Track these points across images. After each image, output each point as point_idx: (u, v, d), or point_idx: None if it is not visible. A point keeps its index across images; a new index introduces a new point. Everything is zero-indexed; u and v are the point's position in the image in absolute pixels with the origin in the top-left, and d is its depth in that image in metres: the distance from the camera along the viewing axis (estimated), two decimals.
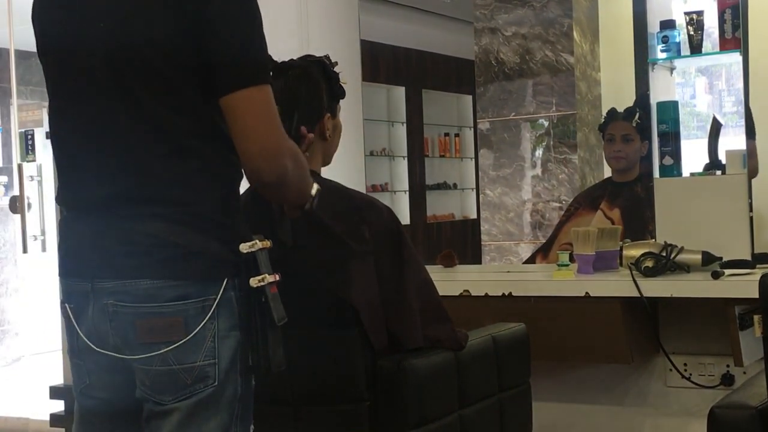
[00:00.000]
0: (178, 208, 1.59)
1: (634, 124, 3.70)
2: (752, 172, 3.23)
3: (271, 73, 1.64)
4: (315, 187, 1.79)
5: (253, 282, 1.60)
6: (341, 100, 2.27)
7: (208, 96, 1.61)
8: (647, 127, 3.62)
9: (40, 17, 1.74)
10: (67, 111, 1.70)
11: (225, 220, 1.63)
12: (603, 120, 3.92)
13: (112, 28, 1.62)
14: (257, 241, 1.62)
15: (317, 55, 2.27)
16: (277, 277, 1.63)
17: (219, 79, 1.58)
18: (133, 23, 1.61)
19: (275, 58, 1.86)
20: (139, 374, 1.62)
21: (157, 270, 1.57)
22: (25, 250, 4.72)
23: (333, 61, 2.22)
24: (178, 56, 1.59)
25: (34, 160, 5.12)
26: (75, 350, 1.69)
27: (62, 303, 1.69)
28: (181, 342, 1.57)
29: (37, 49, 1.75)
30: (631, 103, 3.85)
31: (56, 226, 3.96)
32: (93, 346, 1.64)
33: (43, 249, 4.76)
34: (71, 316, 1.66)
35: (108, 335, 1.61)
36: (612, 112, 3.85)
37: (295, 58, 2.25)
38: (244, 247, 1.61)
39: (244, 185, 1.73)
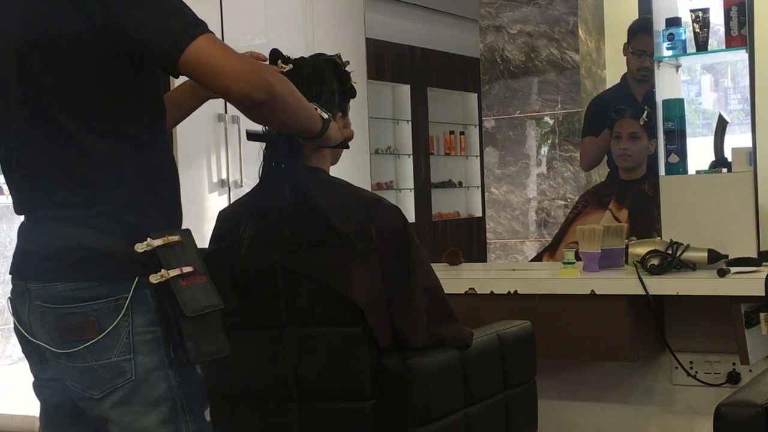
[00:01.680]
0: (86, 210, 1.65)
1: (642, 123, 3.68)
2: None
3: (207, 26, 1.64)
4: (325, 114, 1.89)
5: (153, 279, 1.64)
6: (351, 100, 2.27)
7: (120, 97, 1.65)
8: (655, 125, 3.62)
9: None
10: None
11: (131, 220, 1.67)
12: (612, 112, 3.89)
13: (18, 28, 1.67)
14: (150, 239, 1.65)
15: (323, 52, 2.27)
16: (185, 270, 1.66)
17: (161, 55, 1.60)
18: (37, 21, 1.65)
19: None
20: (68, 369, 1.69)
21: (71, 273, 1.64)
22: None
23: (344, 60, 2.23)
24: (81, 54, 1.63)
25: None
26: (20, 340, 1.78)
27: (9, 297, 1.78)
28: (95, 339, 1.63)
29: None
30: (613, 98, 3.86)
31: None
32: (29, 336, 1.73)
33: None
34: (13, 310, 1.75)
35: (39, 331, 1.70)
36: (621, 110, 3.82)
37: (300, 55, 2.25)
38: (140, 247, 1.65)
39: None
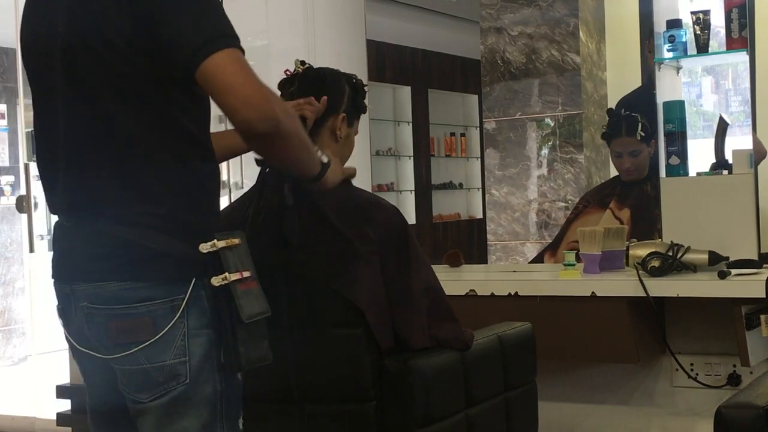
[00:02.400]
0: (142, 209, 1.60)
1: (639, 138, 3.65)
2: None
3: (239, 41, 1.61)
4: (325, 157, 1.82)
5: (215, 281, 1.61)
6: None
7: (170, 91, 1.61)
8: (653, 129, 3.60)
9: (23, 15, 1.76)
10: (38, 112, 1.72)
11: (189, 220, 1.63)
12: (605, 129, 3.83)
13: (65, 21, 1.63)
14: (216, 240, 1.62)
15: (324, 56, 2.31)
16: (245, 275, 1.63)
17: (182, 59, 1.56)
18: (85, 15, 1.61)
19: (282, 56, 1.89)
20: (118, 373, 1.65)
21: (124, 272, 1.60)
22: (31, 250, 4.73)
23: (364, 83, 2.30)
24: (132, 53, 1.59)
25: None
26: (70, 350, 1.74)
27: (56, 305, 1.73)
28: (150, 341, 1.60)
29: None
30: (636, 103, 3.83)
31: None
32: (77, 345, 1.69)
33: (50, 249, 4.77)
34: (60, 318, 1.71)
35: (88, 335, 1.65)
36: (615, 126, 3.76)
37: (300, 57, 2.29)
38: (204, 247, 1.61)
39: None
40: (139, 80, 1.60)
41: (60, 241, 1.70)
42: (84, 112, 1.62)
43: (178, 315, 1.60)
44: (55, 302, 1.72)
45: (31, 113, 5.51)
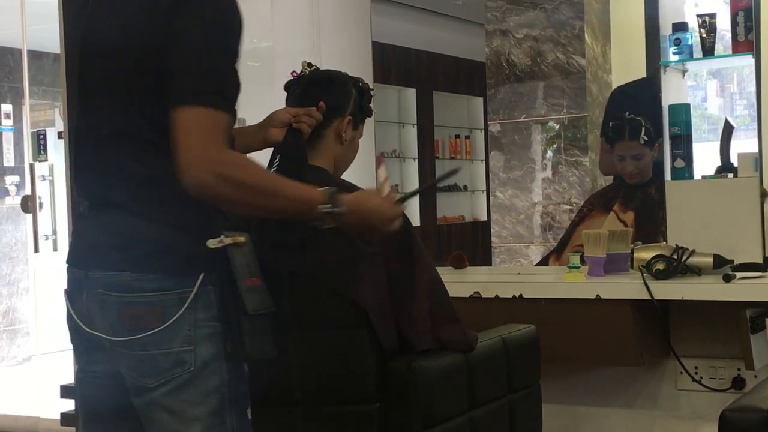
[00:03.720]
0: (154, 205, 1.71)
1: (642, 142, 3.63)
2: None
3: (230, 103, 1.69)
4: (319, 206, 1.78)
5: (211, 243, 1.69)
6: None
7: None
8: (657, 133, 3.59)
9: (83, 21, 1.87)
10: (83, 111, 1.84)
11: (199, 218, 1.72)
12: (606, 130, 3.79)
13: (106, 29, 1.77)
14: (223, 237, 1.71)
15: (329, 58, 2.32)
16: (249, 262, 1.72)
17: (171, 90, 1.67)
18: (122, 25, 1.74)
19: (287, 58, 1.91)
20: (125, 358, 1.73)
21: (138, 264, 1.70)
22: (36, 250, 4.74)
23: (370, 87, 2.33)
24: (152, 62, 1.70)
25: (45, 160, 5.13)
26: (71, 332, 1.83)
27: (65, 288, 1.83)
28: (159, 329, 1.69)
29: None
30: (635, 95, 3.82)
31: (68, 225, 3.98)
32: (83, 326, 1.77)
33: (55, 248, 4.78)
34: (67, 299, 1.81)
35: (98, 319, 1.75)
36: (618, 130, 3.73)
37: (306, 59, 2.29)
38: (212, 243, 1.70)
39: None
40: (163, 87, 1.69)
41: (81, 229, 1.81)
42: (118, 111, 1.74)
43: (186, 306, 1.69)
44: (65, 286, 1.82)
45: (37, 113, 5.53)
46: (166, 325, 1.68)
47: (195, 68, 1.66)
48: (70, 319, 1.81)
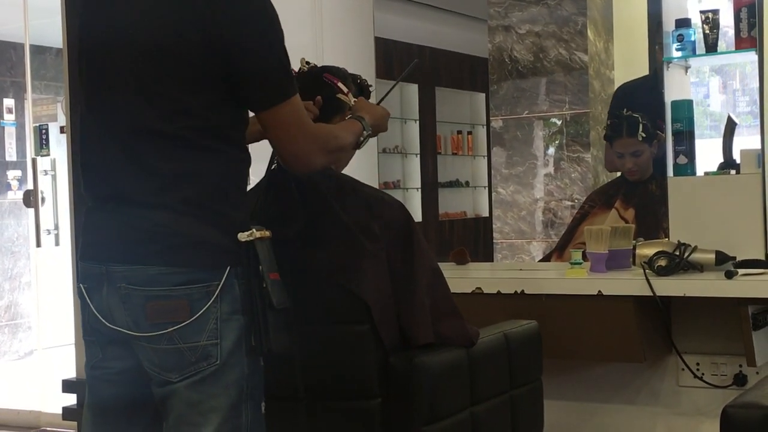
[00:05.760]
0: (181, 199, 1.71)
1: (640, 138, 3.63)
2: None
3: (293, 77, 1.82)
4: (363, 132, 2.08)
5: (242, 237, 1.73)
6: None
7: (215, 91, 1.74)
8: (655, 130, 3.58)
9: (80, 17, 1.86)
10: (93, 107, 1.82)
11: (225, 211, 1.74)
12: (606, 129, 3.81)
13: (134, 25, 1.74)
14: (254, 230, 1.74)
15: (331, 53, 2.35)
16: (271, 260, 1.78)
17: (250, 98, 1.76)
18: (155, 21, 1.72)
19: (290, 53, 1.94)
20: (148, 353, 1.73)
21: (164, 257, 1.69)
22: (38, 245, 4.73)
23: (370, 84, 2.40)
24: (193, 57, 1.71)
25: (48, 155, 5.13)
26: (87, 328, 1.82)
27: (78, 283, 1.81)
28: (186, 323, 1.69)
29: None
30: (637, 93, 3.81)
31: (70, 219, 3.97)
32: (104, 321, 1.76)
33: (57, 243, 4.77)
34: (85, 295, 1.79)
35: (120, 314, 1.73)
36: (616, 127, 3.74)
37: (308, 54, 2.31)
38: (242, 237, 1.72)
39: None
40: (195, 85, 1.73)
41: (96, 223, 1.78)
42: (143, 104, 1.73)
43: (212, 300, 1.70)
44: (78, 281, 1.81)
45: (39, 108, 5.49)
46: (193, 318, 1.69)
47: (270, 69, 1.74)
48: (88, 315, 1.80)
